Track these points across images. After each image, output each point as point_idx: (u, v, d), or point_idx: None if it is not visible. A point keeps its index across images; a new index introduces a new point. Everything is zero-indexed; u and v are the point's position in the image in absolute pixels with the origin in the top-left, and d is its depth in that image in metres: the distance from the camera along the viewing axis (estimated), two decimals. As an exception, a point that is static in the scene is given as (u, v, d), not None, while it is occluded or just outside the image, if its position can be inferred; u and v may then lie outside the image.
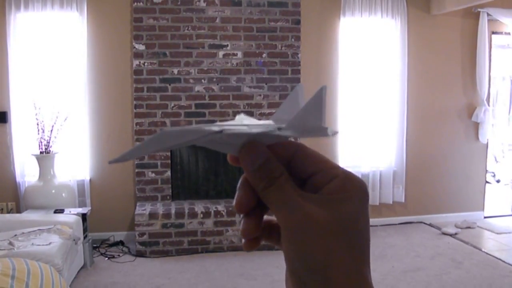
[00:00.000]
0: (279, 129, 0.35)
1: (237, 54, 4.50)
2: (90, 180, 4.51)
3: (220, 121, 0.36)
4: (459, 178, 5.21)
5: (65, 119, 4.21)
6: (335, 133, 0.35)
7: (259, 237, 0.40)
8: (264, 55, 4.53)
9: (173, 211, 4.18)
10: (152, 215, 4.13)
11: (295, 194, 0.36)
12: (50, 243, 3.10)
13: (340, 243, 0.35)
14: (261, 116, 4.55)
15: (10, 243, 3.07)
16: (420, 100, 5.04)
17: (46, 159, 4.10)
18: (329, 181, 0.37)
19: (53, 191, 4.10)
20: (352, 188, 0.37)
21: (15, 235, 3.24)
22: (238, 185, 0.38)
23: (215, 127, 0.34)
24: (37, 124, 4.12)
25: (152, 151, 0.35)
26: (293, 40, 4.57)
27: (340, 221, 0.36)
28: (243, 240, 0.39)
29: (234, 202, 0.38)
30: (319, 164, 0.38)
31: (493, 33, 5.13)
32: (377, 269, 3.75)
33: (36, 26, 4.29)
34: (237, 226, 4.22)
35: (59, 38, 4.32)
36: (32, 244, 3.09)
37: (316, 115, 0.34)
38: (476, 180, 5.26)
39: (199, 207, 4.29)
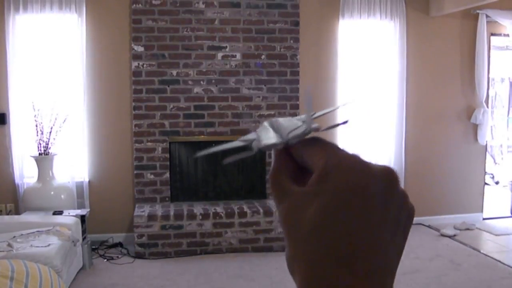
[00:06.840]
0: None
1: (236, 55, 4.50)
2: (89, 181, 4.51)
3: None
4: (458, 180, 5.21)
5: (64, 120, 4.21)
6: (314, 129, 0.34)
7: None
8: (263, 56, 4.54)
9: (172, 213, 4.18)
10: (151, 217, 4.13)
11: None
12: (49, 245, 3.10)
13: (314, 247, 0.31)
14: (260, 117, 4.56)
15: (9, 245, 3.07)
16: (419, 102, 5.04)
17: (45, 160, 4.10)
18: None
19: (52, 192, 4.10)
20: (326, 182, 0.32)
21: (14, 236, 3.24)
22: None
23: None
24: (36, 126, 4.12)
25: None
26: (292, 41, 4.57)
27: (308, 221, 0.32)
28: None
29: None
30: (313, 158, 0.34)
31: (492, 34, 5.13)
32: (376, 271, 3.74)
33: (35, 28, 4.29)
34: (236, 227, 4.22)
35: (58, 40, 4.32)
36: (31, 245, 3.09)
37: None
38: (475, 182, 5.26)
39: (198, 208, 4.29)
